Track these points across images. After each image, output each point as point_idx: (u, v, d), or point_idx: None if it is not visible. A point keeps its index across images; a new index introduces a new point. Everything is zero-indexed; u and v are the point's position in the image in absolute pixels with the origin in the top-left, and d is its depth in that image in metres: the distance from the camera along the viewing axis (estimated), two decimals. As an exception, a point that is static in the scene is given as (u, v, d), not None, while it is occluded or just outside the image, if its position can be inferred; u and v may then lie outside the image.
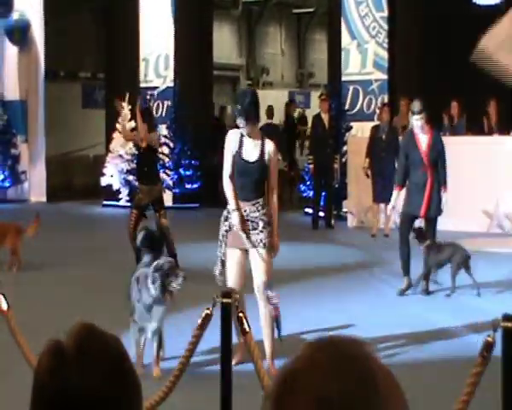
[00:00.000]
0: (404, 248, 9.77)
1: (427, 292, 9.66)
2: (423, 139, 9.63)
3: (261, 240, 6.71)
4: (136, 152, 11.02)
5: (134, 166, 18.31)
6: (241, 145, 6.77)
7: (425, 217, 9.74)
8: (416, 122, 9.60)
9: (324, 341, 1.31)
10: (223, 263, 6.90)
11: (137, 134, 11.14)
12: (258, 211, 6.73)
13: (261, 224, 6.71)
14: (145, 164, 10.86)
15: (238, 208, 6.73)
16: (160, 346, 6.77)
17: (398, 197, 9.96)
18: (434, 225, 9.81)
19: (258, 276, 6.75)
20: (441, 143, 9.76)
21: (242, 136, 6.79)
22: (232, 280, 6.80)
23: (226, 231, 6.84)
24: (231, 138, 6.86)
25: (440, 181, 9.62)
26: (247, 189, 6.77)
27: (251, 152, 6.77)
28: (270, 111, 17.41)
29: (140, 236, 7.48)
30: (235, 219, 6.71)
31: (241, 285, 6.79)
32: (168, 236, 10.54)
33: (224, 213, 6.94)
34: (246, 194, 6.78)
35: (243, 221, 6.71)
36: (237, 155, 6.77)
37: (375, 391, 1.23)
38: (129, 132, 12.85)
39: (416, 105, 9.63)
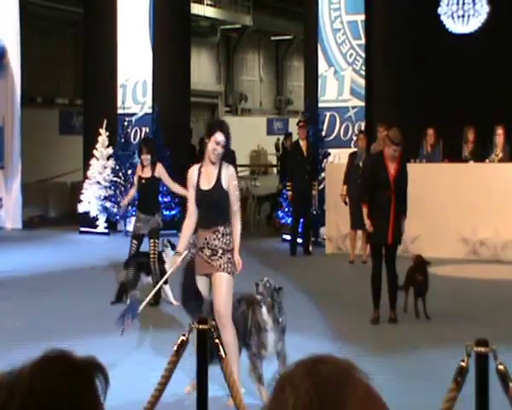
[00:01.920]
0: (376, 280, 9.72)
1: None
2: (393, 164, 9.63)
3: (220, 265, 6.78)
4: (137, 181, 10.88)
5: (111, 192, 18.34)
6: (199, 176, 6.90)
7: (391, 244, 9.58)
8: (394, 153, 9.57)
9: (312, 358, 1.32)
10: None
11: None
12: (218, 239, 6.81)
13: (220, 251, 6.80)
14: (147, 194, 10.83)
15: (179, 252, 6.99)
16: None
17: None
18: (395, 252, 9.70)
19: (218, 301, 6.74)
20: (406, 173, 9.75)
21: (201, 167, 6.93)
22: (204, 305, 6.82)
23: (192, 256, 6.94)
24: (190, 174, 6.99)
25: (401, 210, 9.58)
26: (206, 217, 6.88)
27: (208, 181, 6.86)
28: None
29: None
30: (178, 261, 6.98)
31: (212, 311, 6.79)
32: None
33: (193, 238, 6.99)
34: (206, 222, 6.89)
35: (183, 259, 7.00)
36: (196, 187, 6.90)
37: None
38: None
39: (397, 137, 9.52)
